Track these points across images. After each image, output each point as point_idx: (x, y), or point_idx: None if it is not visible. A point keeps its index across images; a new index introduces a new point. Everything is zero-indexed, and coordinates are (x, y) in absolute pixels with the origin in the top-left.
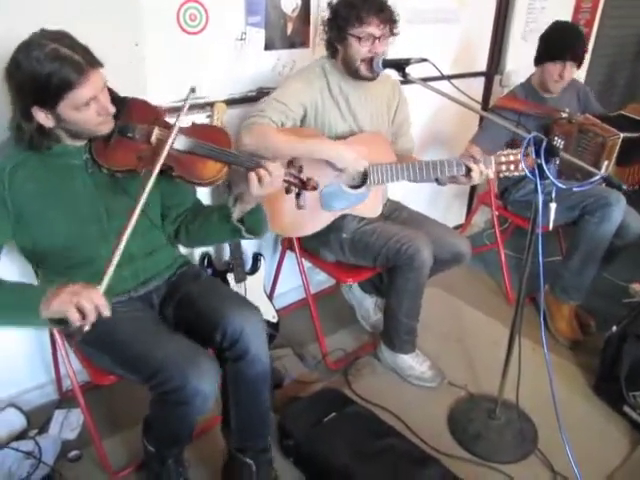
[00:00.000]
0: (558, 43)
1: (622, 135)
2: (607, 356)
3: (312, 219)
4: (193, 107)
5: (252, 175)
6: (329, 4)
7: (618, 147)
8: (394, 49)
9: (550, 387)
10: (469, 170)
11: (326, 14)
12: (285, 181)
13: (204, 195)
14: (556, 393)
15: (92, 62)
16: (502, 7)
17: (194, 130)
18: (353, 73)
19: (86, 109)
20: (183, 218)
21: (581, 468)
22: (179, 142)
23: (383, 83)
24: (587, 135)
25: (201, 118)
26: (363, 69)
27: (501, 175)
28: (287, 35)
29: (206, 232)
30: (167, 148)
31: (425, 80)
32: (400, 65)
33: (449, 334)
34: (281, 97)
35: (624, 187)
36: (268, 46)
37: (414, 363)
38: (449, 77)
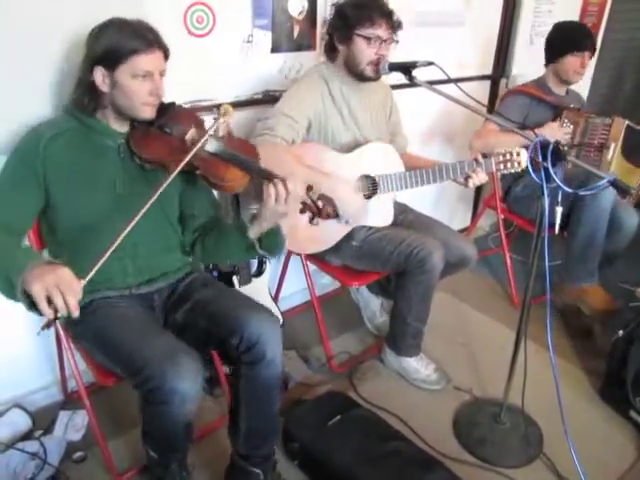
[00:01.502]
0: (576, 35)
1: (626, 122)
2: (613, 360)
3: (326, 234)
4: (200, 109)
5: (270, 188)
6: (334, 4)
7: (623, 133)
8: (400, 52)
9: (556, 391)
10: (468, 176)
11: (330, 14)
12: (302, 203)
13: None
14: (562, 397)
15: (160, 43)
16: (508, 10)
17: (227, 139)
18: (357, 74)
19: (141, 81)
20: (201, 231)
21: (587, 473)
22: (209, 145)
23: (378, 86)
24: (594, 121)
25: (208, 120)
26: (369, 70)
27: (499, 174)
28: (294, 38)
29: (222, 247)
30: (198, 146)
31: (432, 83)
32: (407, 68)
33: (454, 338)
34: (288, 110)
35: (633, 190)
36: (275, 49)
37: (419, 366)
38: (456, 80)
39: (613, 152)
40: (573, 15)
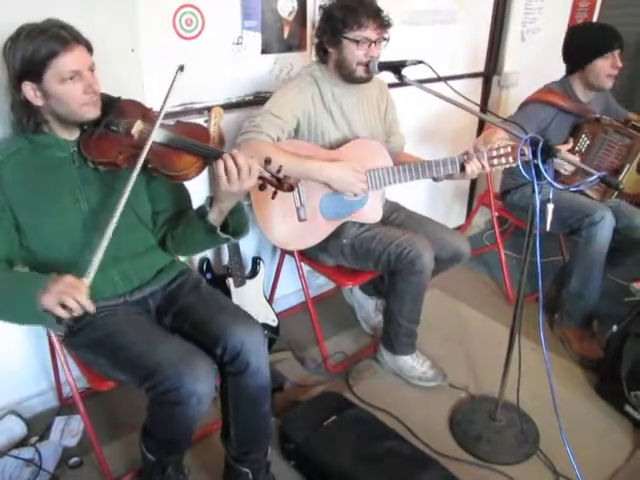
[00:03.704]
0: (601, 38)
1: None
2: (608, 355)
3: (313, 230)
4: (190, 112)
5: (219, 164)
6: (322, 7)
7: None
8: (393, 51)
9: (550, 387)
10: (463, 166)
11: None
12: (260, 178)
13: (204, 193)
14: (557, 393)
15: (77, 38)
16: (499, 8)
17: (176, 126)
18: (348, 76)
19: (71, 83)
20: (169, 224)
21: (583, 468)
22: (156, 134)
23: (372, 84)
24: (613, 136)
25: (199, 123)
26: (360, 71)
27: (493, 170)
28: (284, 38)
29: (188, 236)
30: (150, 140)
31: (423, 82)
32: (396, 67)
33: (450, 336)
34: (275, 110)
35: (621, 186)
36: (265, 50)
37: (415, 364)
38: (446, 78)
39: (626, 172)
40: (564, 11)
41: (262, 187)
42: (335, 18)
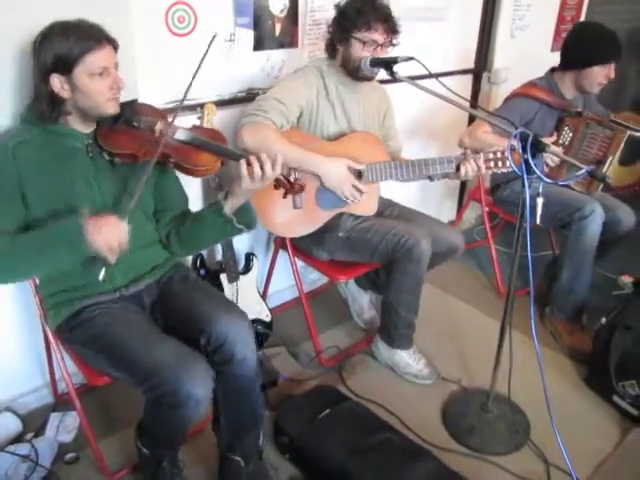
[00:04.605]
0: (606, 46)
1: (629, 132)
2: (597, 347)
3: (308, 219)
4: (183, 109)
5: (243, 164)
6: (336, 5)
7: (623, 144)
8: None
9: (541, 379)
10: (459, 166)
11: (315, 11)
12: (275, 180)
13: (197, 197)
14: (547, 385)
15: (108, 38)
16: (489, 5)
17: (194, 128)
18: (353, 72)
19: (99, 79)
20: (175, 222)
21: (573, 457)
22: (180, 133)
23: (375, 88)
24: (595, 129)
25: (191, 119)
26: (364, 70)
27: (489, 172)
28: (276, 35)
29: (198, 231)
30: (167, 135)
31: (415, 78)
32: (388, 64)
33: (442, 330)
34: (281, 97)
35: (608, 180)
36: (257, 47)
37: (411, 361)
38: (437, 75)
39: (609, 164)
40: (552, 8)
41: (276, 186)
42: (347, 17)
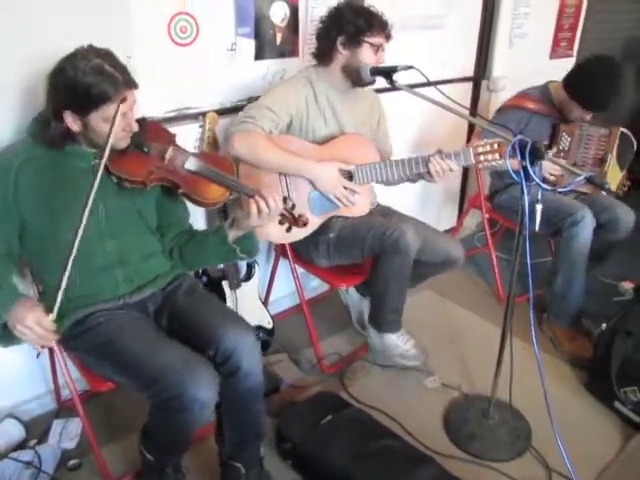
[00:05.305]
0: (603, 99)
1: (620, 129)
2: (598, 353)
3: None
4: (185, 117)
5: (253, 205)
6: (336, 8)
7: (617, 140)
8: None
9: (542, 385)
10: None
11: (315, 20)
12: (280, 215)
13: (199, 218)
14: (549, 391)
15: (129, 82)
16: (487, 13)
17: (204, 156)
18: (355, 78)
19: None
20: (178, 239)
21: (574, 464)
22: (190, 163)
23: (367, 95)
24: (589, 130)
25: (193, 128)
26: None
27: (480, 166)
28: (276, 45)
29: (200, 254)
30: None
31: (414, 87)
32: (387, 72)
33: (442, 336)
34: (271, 105)
35: (607, 186)
36: (258, 56)
37: (399, 342)
38: (436, 83)
39: (609, 162)
40: (550, 16)
41: (281, 222)
42: (353, 21)
